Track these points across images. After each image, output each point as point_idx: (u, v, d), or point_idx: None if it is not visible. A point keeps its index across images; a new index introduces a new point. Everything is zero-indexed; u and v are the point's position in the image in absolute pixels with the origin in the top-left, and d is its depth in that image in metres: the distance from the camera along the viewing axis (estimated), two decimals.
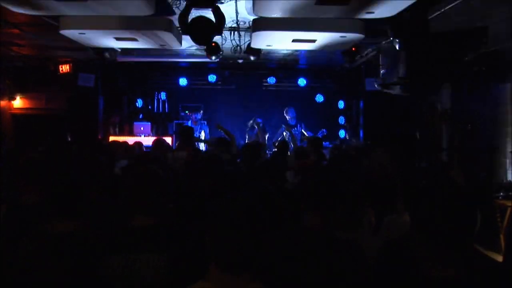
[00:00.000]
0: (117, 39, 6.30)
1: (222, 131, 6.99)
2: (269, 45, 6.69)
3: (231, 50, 7.67)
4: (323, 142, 9.53)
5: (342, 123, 11.62)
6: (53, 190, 2.44)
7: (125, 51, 8.66)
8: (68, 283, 2.18)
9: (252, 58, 7.64)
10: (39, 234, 2.31)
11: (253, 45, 6.81)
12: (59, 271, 2.18)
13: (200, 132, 9.88)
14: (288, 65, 10.88)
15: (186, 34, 5.39)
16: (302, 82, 11.46)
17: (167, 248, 2.21)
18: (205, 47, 7.18)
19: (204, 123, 10.44)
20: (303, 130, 10.04)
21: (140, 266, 2.17)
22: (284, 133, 9.63)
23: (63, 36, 5.98)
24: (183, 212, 3.07)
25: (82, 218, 2.40)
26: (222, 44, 7.35)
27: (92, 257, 2.20)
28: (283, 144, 7.32)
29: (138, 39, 6.26)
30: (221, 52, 7.42)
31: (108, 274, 2.16)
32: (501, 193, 5.89)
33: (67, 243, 2.25)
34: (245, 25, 6.59)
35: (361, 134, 10.80)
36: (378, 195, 3.28)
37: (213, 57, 7.42)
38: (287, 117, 10.17)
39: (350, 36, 5.96)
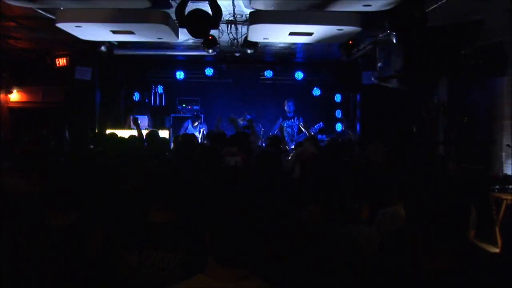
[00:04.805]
0: (114, 32, 6.27)
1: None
2: (266, 38, 6.68)
3: (228, 43, 7.66)
4: (320, 136, 9.60)
5: (339, 116, 11.61)
6: (51, 183, 2.40)
7: (122, 45, 8.65)
8: (66, 277, 2.16)
9: (249, 51, 7.63)
10: (37, 228, 2.30)
11: (250, 38, 6.79)
12: (58, 264, 2.16)
13: (200, 130, 9.85)
14: (285, 58, 10.85)
15: (182, 27, 5.38)
16: (299, 75, 11.44)
17: (182, 246, 2.13)
18: (202, 40, 7.17)
19: (202, 118, 10.47)
20: (300, 124, 10.00)
21: (154, 264, 2.10)
22: (285, 124, 9.66)
23: (60, 29, 5.96)
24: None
25: (80, 212, 2.35)
26: (219, 37, 7.33)
27: (97, 251, 2.17)
28: (275, 138, 7.30)
29: (134, 32, 6.24)
30: (218, 45, 7.40)
31: (122, 269, 2.12)
32: (497, 186, 5.91)
33: (65, 236, 2.22)
34: (242, 18, 6.57)
35: (358, 128, 10.81)
36: (373, 189, 3.29)
37: (210, 51, 7.40)
38: (286, 109, 10.13)
39: (347, 29, 5.96)
